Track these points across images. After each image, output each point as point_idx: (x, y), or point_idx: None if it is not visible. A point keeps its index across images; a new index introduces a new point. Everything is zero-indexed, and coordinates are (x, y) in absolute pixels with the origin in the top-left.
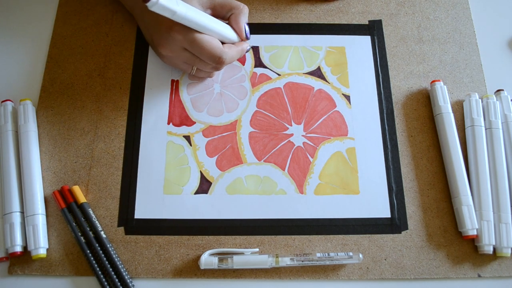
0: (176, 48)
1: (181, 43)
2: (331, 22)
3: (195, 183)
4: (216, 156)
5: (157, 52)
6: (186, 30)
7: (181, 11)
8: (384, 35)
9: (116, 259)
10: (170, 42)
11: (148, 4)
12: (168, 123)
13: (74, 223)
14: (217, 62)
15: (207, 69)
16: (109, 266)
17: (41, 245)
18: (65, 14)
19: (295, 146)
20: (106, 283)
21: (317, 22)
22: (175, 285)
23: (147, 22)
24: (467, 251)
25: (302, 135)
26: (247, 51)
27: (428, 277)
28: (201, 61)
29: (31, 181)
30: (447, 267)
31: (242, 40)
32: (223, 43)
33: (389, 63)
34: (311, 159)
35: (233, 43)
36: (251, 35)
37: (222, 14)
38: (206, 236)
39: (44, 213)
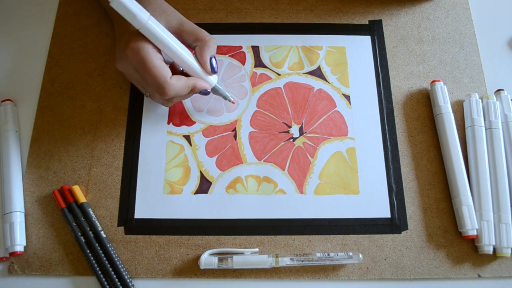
0: (127, 66)
1: (132, 62)
2: (331, 22)
3: (195, 183)
4: (216, 156)
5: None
6: (139, 50)
7: (142, 17)
8: (384, 35)
9: (116, 259)
10: (123, 58)
11: None
12: (168, 123)
13: (74, 223)
14: (160, 93)
15: (155, 98)
16: (109, 266)
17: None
18: (65, 14)
19: (295, 146)
20: (106, 283)
21: (317, 22)
22: (175, 285)
23: (115, 32)
24: (467, 251)
25: (302, 135)
26: (203, 93)
27: (428, 277)
28: (149, 87)
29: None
30: (447, 267)
31: (207, 73)
32: (187, 75)
33: (389, 63)
34: (311, 159)
35: (199, 76)
36: (253, 35)
37: (189, 42)
38: (206, 236)
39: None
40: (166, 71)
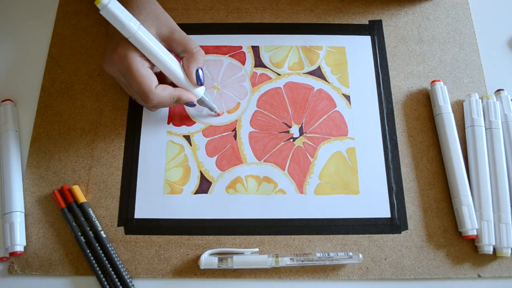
0: (114, 70)
1: (118, 67)
2: (331, 22)
3: (195, 183)
4: (216, 156)
5: None
6: (126, 57)
7: (131, 27)
8: (384, 35)
9: (116, 259)
10: (110, 62)
11: (98, 5)
12: (168, 123)
13: (74, 223)
14: (144, 100)
15: (140, 102)
16: (109, 266)
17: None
18: (65, 14)
19: (295, 146)
20: (106, 283)
21: (317, 22)
22: (175, 285)
23: (108, 32)
24: (467, 251)
25: (302, 135)
26: (190, 105)
27: (428, 277)
28: (133, 92)
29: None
30: (447, 267)
31: (193, 85)
32: (175, 85)
33: (389, 63)
34: (311, 159)
35: (185, 87)
36: (253, 35)
37: (177, 51)
38: (206, 236)
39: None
40: (151, 79)
